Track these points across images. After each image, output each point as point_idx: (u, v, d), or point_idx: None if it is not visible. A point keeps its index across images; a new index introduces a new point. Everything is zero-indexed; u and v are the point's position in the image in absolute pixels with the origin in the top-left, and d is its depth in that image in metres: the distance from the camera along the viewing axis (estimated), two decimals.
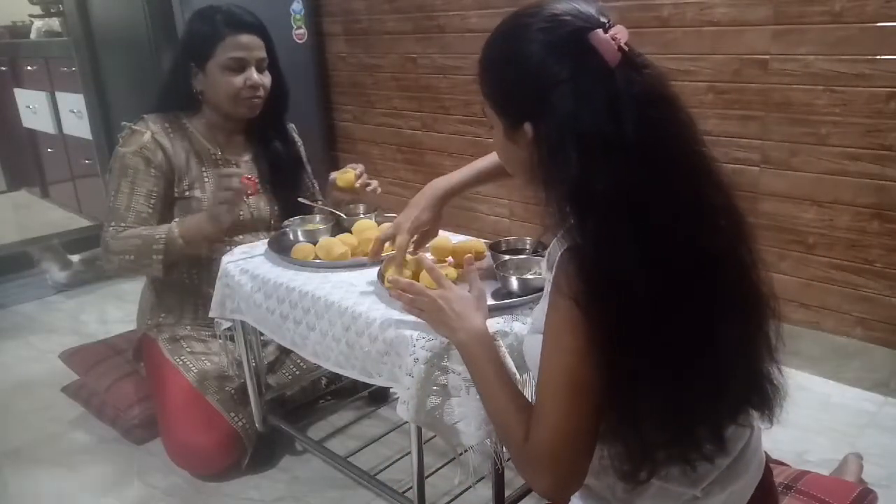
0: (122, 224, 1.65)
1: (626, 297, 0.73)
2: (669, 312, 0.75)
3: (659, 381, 0.76)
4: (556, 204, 0.78)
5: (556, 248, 0.82)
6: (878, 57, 1.75)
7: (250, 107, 1.72)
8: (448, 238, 1.44)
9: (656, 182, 0.75)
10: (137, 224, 1.66)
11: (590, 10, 0.78)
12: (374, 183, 1.72)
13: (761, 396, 0.86)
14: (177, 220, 1.65)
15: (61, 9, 3.41)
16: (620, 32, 0.75)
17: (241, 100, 1.69)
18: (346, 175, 1.69)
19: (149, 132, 1.69)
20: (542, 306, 0.86)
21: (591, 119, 0.74)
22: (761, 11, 1.90)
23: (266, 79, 1.72)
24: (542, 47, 0.77)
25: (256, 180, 1.78)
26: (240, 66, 1.67)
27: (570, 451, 0.79)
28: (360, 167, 1.72)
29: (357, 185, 1.69)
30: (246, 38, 1.67)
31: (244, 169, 1.80)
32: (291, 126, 1.95)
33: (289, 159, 1.87)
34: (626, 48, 0.75)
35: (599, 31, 0.75)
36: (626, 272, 0.73)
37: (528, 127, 0.80)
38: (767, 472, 0.96)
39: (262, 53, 1.70)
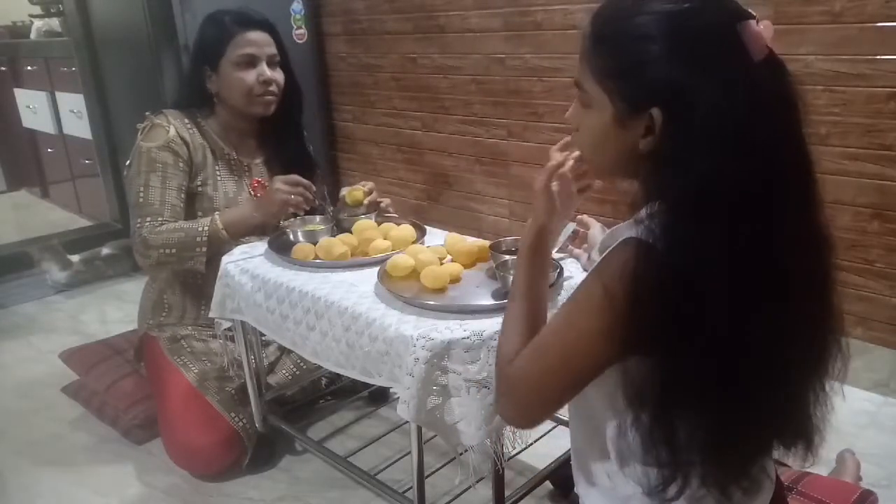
0: (160, 218, 1.65)
1: (694, 302, 0.69)
2: (737, 328, 0.71)
3: (705, 398, 0.74)
4: (649, 189, 0.74)
5: (618, 233, 0.79)
6: (878, 57, 1.75)
7: (264, 104, 1.72)
8: (464, 239, 1.45)
9: (774, 189, 0.71)
10: (173, 218, 1.67)
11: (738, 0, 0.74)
12: (386, 201, 1.74)
13: (799, 437, 0.84)
14: (218, 212, 1.67)
15: (61, 9, 3.41)
16: (769, 29, 0.71)
17: (255, 96, 1.70)
18: (355, 193, 1.70)
19: (172, 127, 1.70)
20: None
21: (737, 114, 0.69)
22: (761, 11, 1.88)
23: (279, 75, 1.73)
24: (687, 28, 0.71)
25: (266, 184, 1.79)
26: (252, 62, 1.68)
27: (538, 401, 0.83)
28: (369, 185, 1.73)
29: (366, 202, 1.70)
30: (256, 35, 1.69)
31: (255, 172, 1.82)
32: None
33: (302, 164, 1.87)
34: (770, 47, 0.72)
35: (752, 22, 0.70)
36: (709, 277, 0.69)
37: (656, 112, 0.73)
38: (779, 486, 0.95)
39: (273, 49, 1.72)
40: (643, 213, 0.75)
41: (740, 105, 0.69)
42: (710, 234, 0.70)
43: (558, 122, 2.46)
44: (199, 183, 1.73)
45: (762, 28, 0.71)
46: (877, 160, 1.80)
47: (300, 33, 3.05)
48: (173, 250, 1.62)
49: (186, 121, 1.74)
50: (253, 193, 1.78)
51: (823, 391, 0.83)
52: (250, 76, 1.68)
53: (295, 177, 1.63)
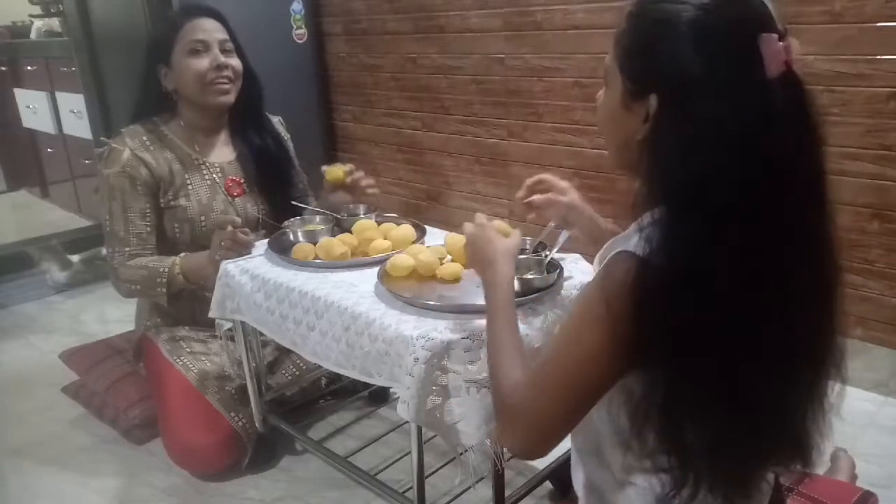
0: (127, 249, 1.68)
1: (691, 314, 0.69)
2: (732, 343, 0.70)
3: (707, 409, 0.73)
4: (646, 187, 0.73)
5: (616, 244, 0.78)
6: (878, 57, 1.75)
7: (220, 91, 1.70)
8: (464, 239, 1.44)
9: (775, 206, 0.69)
10: (140, 245, 1.69)
11: (772, 10, 0.72)
12: (371, 181, 1.72)
13: (796, 451, 0.83)
14: (181, 255, 1.67)
15: (61, 9, 3.41)
16: (793, 47, 0.69)
17: (209, 84, 1.68)
18: (334, 171, 1.70)
19: (127, 149, 1.68)
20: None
21: (733, 122, 0.67)
22: None
23: (234, 61, 1.71)
24: (707, 25, 0.69)
25: (242, 181, 1.78)
26: (203, 48, 1.67)
27: (550, 426, 0.80)
28: (350, 166, 1.72)
29: (348, 181, 1.69)
30: (203, 22, 1.69)
31: (230, 171, 1.79)
32: (278, 119, 1.94)
33: (275, 156, 1.85)
34: (790, 65, 0.69)
35: (775, 35, 0.68)
36: (703, 286, 0.68)
37: (653, 100, 0.73)
38: (777, 490, 0.94)
39: (224, 35, 1.71)
40: (646, 219, 0.73)
41: (740, 114, 0.68)
42: (702, 238, 0.68)
43: (558, 122, 2.46)
44: (170, 197, 1.72)
45: (785, 45, 0.69)
46: (877, 160, 1.80)
47: (300, 33, 3.05)
48: (138, 286, 1.68)
49: (145, 137, 1.72)
50: (228, 193, 1.77)
51: (822, 402, 0.82)
52: (202, 62, 1.66)
53: (230, 232, 1.51)
